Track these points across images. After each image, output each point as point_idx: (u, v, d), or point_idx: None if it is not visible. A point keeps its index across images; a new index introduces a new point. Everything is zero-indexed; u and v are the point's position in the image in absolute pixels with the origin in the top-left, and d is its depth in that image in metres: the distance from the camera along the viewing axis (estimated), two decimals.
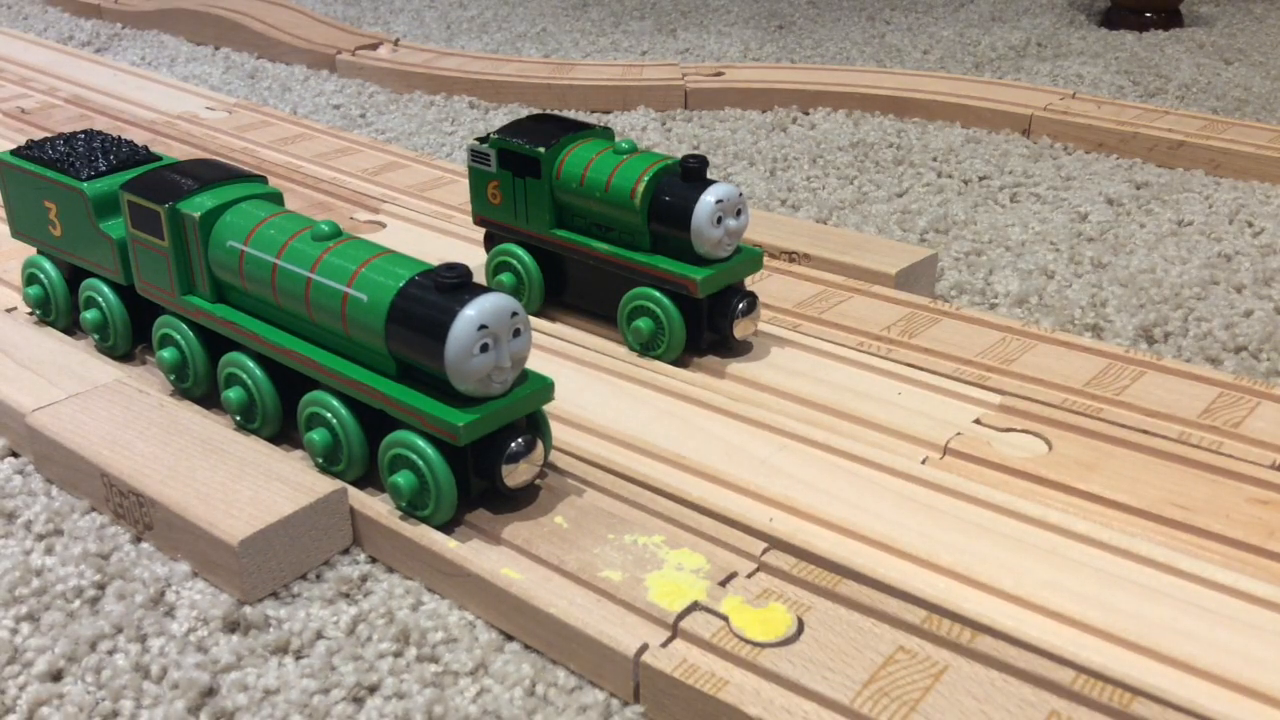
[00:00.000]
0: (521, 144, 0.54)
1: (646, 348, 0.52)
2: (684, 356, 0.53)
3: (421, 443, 0.40)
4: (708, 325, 0.52)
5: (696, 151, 0.49)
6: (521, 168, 0.54)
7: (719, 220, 0.50)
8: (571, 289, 0.57)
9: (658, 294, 0.51)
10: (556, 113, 0.58)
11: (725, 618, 0.36)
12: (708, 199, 0.50)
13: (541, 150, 0.53)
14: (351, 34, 1.21)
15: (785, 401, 0.49)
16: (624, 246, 0.53)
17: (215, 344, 0.48)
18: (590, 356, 0.52)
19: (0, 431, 0.49)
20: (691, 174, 0.51)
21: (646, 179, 0.51)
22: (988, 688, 0.33)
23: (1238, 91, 1.05)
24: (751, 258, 0.53)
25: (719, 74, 1.04)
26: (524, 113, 1.00)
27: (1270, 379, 0.55)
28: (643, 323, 0.52)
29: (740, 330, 0.52)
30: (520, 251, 0.56)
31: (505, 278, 0.56)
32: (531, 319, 0.42)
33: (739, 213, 0.51)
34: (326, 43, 1.16)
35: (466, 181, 0.77)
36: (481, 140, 0.56)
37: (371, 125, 0.97)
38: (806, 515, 0.41)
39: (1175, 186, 0.81)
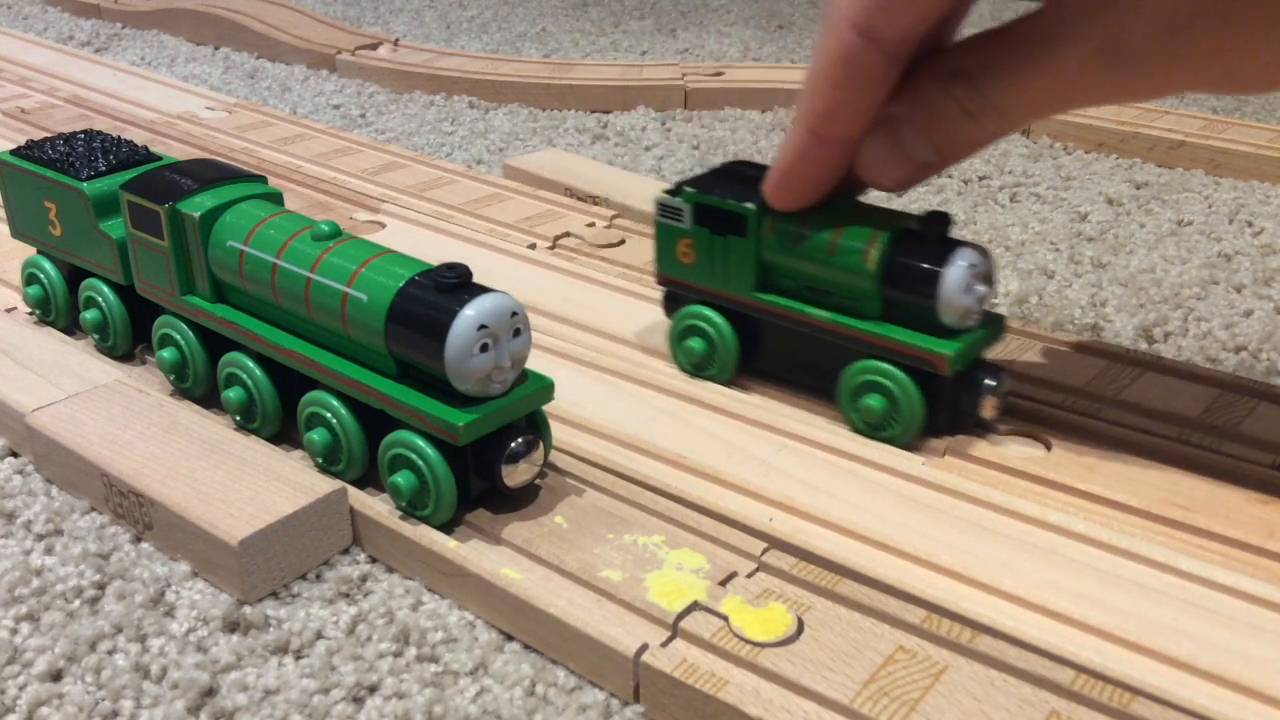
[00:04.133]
0: (725, 199, 0.48)
1: (875, 428, 0.46)
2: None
3: (421, 443, 0.40)
4: (949, 403, 0.46)
5: (936, 211, 0.45)
6: (723, 225, 0.48)
7: (970, 287, 0.44)
8: (773, 358, 0.50)
9: (892, 368, 0.45)
10: (751, 160, 0.52)
11: (725, 617, 0.36)
12: (959, 263, 0.44)
13: (750, 206, 0.47)
14: (351, 34, 1.21)
15: (785, 402, 0.49)
16: (846, 313, 0.46)
17: (215, 344, 0.48)
18: (590, 356, 0.52)
19: (0, 431, 0.49)
20: (933, 234, 0.45)
21: (882, 240, 0.45)
22: (988, 687, 0.33)
23: None
24: (996, 326, 0.46)
25: (719, 74, 1.05)
26: (524, 113, 1.00)
27: (1270, 379, 0.55)
28: (873, 400, 0.45)
29: (989, 409, 0.46)
30: (713, 315, 0.50)
31: (695, 343, 0.50)
32: (532, 319, 0.42)
33: (988, 278, 0.45)
34: (326, 43, 1.16)
35: (466, 181, 0.77)
36: (672, 192, 0.50)
37: (371, 125, 0.97)
38: (806, 515, 0.41)
39: (1175, 186, 0.81)
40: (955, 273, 0.43)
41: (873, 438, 0.46)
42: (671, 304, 0.52)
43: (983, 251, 0.45)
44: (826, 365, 0.47)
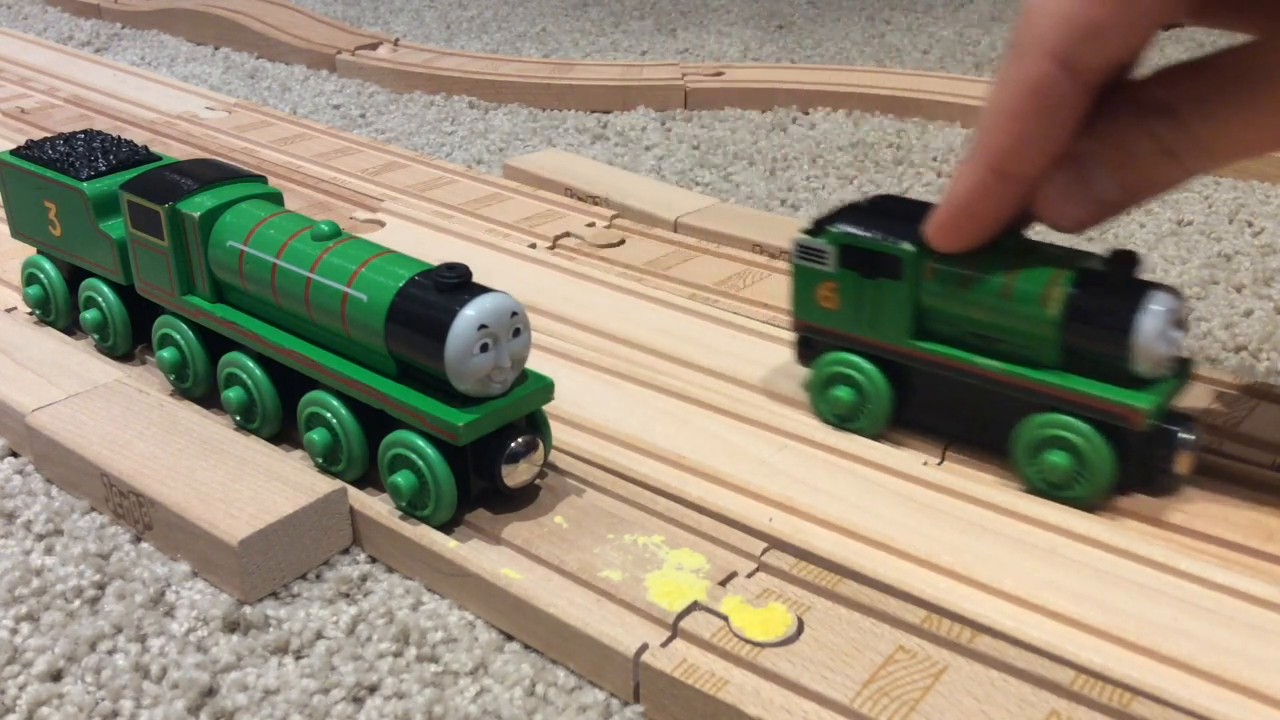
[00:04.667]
0: (877, 239, 0.44)
1: (1057, 486, 0.42)
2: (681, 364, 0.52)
3: (421, 443, 0.40)
4: (1140, 459, 0.42)
5: (1123, 250, 0.42)
6: (874, 267, 0.44)
7: (1165, 334, 0.40)
8: (930, 410, 0.46)
9: (1077, 422, 0.41)
10: (895, 194, 0.49)
11: (725, 617, 0.36)
12: (1155, 309, 0.40)
13: (908, 248, 0.43)
14: (351, 34, 1.21)
15: (785, 402, 0.49)
16: (1018, 362, 0.42)
17: (215, 344, 0.48)
18: (590, 356, 0.52)
19: (0, 431, 0.49)
20: (1121, 274, 0.41)
21: (1064, 282, 0.41)
22: (988, 687, 0.33)
23: None
24: (1185, 371, 0.42)
25: (719, 74, 1.05)
26: (524, 113, 1.00)
27: (1270, 379, 0.55)
28: (1057, 457, 0.41)
29: (1184, 465, 0.41)
30: (863, 363, 0.46)
31: (842, 393, 0.46)
32: (532, 319, 0.42)
33: (1183, 322, 0.41)
34: (326, 43, 1.16)
35: (466, 181, 0.77)
36: (811, 232, 0.46)
37: (371, 125, 0.97)
38: (806, 515, 0.41)
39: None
40: (1151, 319, 0.39)
41: (1054, 498, 0.42)
42: (808, 350, 0.48)
43: (1176, 293, 0.41)
44: (994, 418, 0.43)
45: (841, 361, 0.46)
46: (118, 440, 0.45)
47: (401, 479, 0.40)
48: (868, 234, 0.44)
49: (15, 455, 0.49)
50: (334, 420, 0.43)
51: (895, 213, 0.45)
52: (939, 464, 0.45)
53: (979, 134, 0.39)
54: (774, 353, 0.53)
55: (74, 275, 0.54)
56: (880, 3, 1.48)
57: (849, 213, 0.46)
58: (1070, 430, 0.41)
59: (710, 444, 0.46)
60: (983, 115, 0.38)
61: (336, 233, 0.44)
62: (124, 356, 0.53)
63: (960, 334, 0.44)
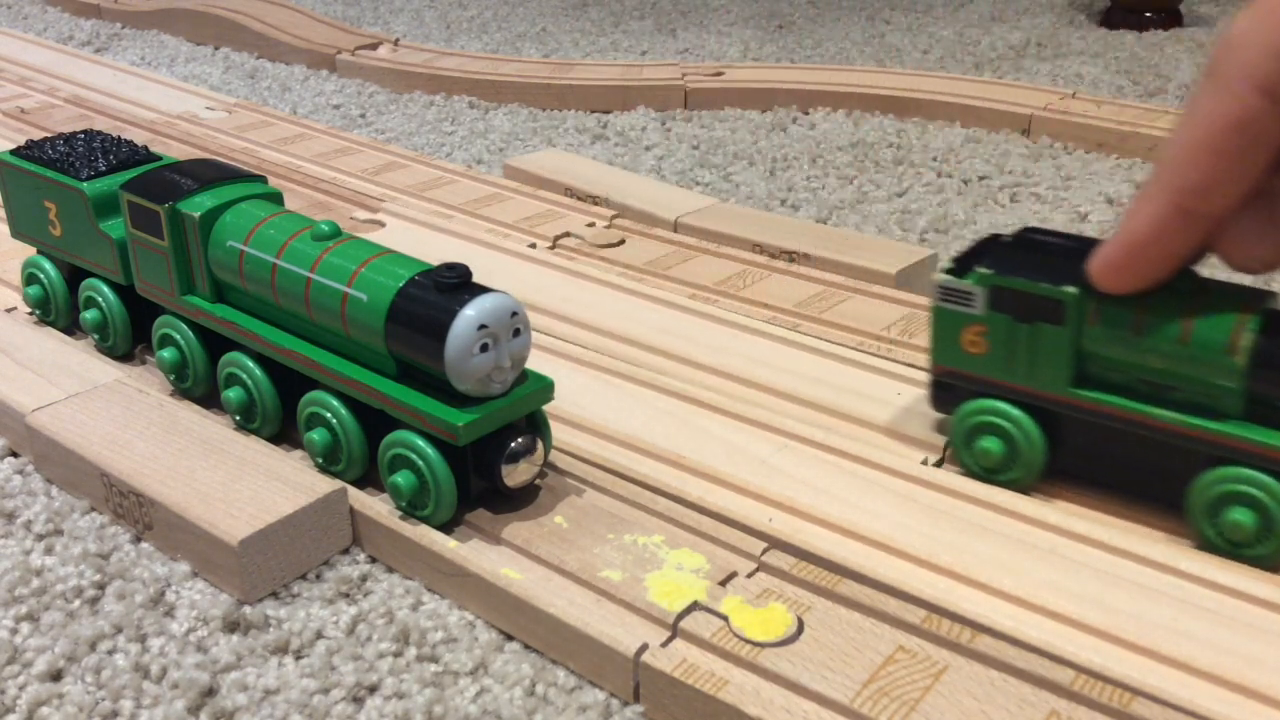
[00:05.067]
0: (1034, 281, 0.41)
1: (1239, 545, 0.39)
2: (683, 364, 0.52)
3: (421, 443, 0.40)
4: None
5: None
6: (1030, 311, 0.41)
7: None
8: (1088, 461, 0.43)
9: (1264, 478, 0.38)
10: (1041, 225, 0.47)
11: (725, 617, 0.36)
12: None
13: (1071, 290, 0.40)
14: (351, 34, 1.21)
15: (785, 401, 0.49)
16: (1193, 412, 0.40)
17: (215, 344, 0.48)
18: (590, 356, 0.52)
19: (0, 431, 0.49)
20: None
21: (1251, 326, 0.38)
22: (988, 688, 0.33)
23: None
24: None
25: (719, 74, 1.05)
26: (524, 113, 1.00)
27: None
28: (1241, 515, 0.39)
29: None
30: (1015, 412, 0.43)
31: (991, 444, 0.43)
32: (532, 319, 0.42)
33: None
34: (326, 42, 1.16)
35: (466, 181, 0.77)
36: (954, 272, 0.43)
37: (371, 125, 0.97)
38: (806, 515, 0.41)
39: None
40: None
41: (1235, 556, 0.39)
42: (948, 396, 0.45)
43: None
44: (1164, 472, 0.41)
45: (989, 410, 0.43)
46: (118, 440, 0.45)
47: (401, 479, 0.40)
48: (1023, 276, 0.41)
49: (15, 455, 0.49)
50: (334, 420, 0.43)
51: (1046, 248, 0.42)
52: (939, 464, 0.45)
53: (1164, 169, 0.36)
54: (775, 352, 0.53)
55: (74, 275, 0.54)
56: (880, 3, 1.48)
57: (995, 250, 0.43)
58: (1257, 486, 0.39)
59: (710, 444, 0.46)
60: (1169, 149, 0.36)
61: (336, 233, 0.44)
62: (124, 356, 0.53)
63: (1127, 381, 0.41)
